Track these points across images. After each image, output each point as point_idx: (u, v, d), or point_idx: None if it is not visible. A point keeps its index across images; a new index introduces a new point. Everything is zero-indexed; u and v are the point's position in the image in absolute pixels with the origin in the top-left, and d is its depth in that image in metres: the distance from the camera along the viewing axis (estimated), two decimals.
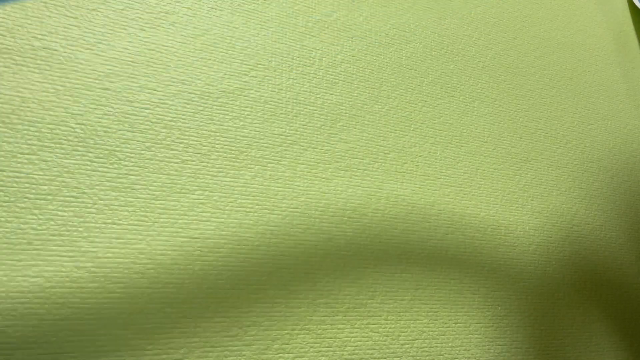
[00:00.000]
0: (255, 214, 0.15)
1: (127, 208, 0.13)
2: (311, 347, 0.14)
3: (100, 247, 0.13)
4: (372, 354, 0.15)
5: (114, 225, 0.13)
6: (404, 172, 0.18)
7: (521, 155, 0.21)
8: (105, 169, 0.13)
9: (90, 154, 0.13)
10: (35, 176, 0.12)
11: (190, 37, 0.15)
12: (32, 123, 0.13)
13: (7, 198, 0.12)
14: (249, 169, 0.15)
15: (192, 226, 0.14)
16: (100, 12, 0.14)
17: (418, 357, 0.16)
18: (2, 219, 0.12)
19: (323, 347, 0.14)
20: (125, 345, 0.12)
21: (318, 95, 0.16)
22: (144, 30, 0.15)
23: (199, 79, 0.15)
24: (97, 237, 0.13)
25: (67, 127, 0.13)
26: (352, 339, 0.15)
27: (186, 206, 0.14)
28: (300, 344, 0.14)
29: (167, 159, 0.14)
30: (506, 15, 0.23)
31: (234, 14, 0.16)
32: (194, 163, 0.14)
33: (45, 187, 0.12)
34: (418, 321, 0.16)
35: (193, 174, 0.14)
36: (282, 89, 0.16)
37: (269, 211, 0.15)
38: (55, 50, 0.13)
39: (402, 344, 0.16)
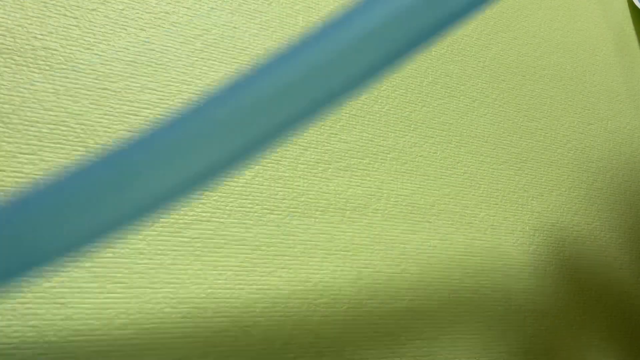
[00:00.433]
0: (255, 214, 0.15)
1: None
2: (311, 347, 0.14)
3: (100, 247, 0.13)
4: (372, 354, 0.15)
5: None
6: (404, 172, 0.17)
7: (521, 155, 0.21)
8: None
9: (90, 154, 0.13)
10: (35, 176, 0.12)
11: (190, 37, 0.15)
12: (32, 123, 0.13)
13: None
14: (249, 169, 0.15)
15: (192, 226, 0.14)
16: (100, 12, 0.14)
17: (418, 357, 0.16)
18: None
19: (323, 347, 0.14)
20: (125, 345, 0.12)
21: None
22: (144, 30, 0.15)
23: (199, 79, 0.15)
24: None
25: (67, 127, 0.13)
26: (352, 339, 0.15)
27: (186, 206, 0.14)
28: (300, 344, 0.14)
29: None
30: (506, 15, 0.23)
31: (234, 14, 0.16)
32: None
33: None
34: (418, 321, 0.16)
35: None
36: None
37: (269, 211, 0.15)
38: (55, 50, 0.13)
39: (402, 344, 0.16)
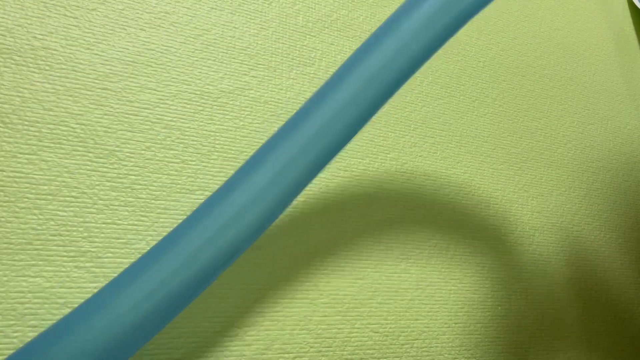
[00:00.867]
0: None
1: (127, 208, 0.13)
2: (311, 347, 0.14)
3: (100, 247, 0.13)
4: (372, 354, 0.15)
5: (114, 225, 0.13)
6: (404, 172, 0.17)
7: (521, 155, 0.21)
8: (105, 169, 0.13)
9: (90, 154, 0.13)
10: (35, 176, 0.12)
11: (190, 37, 0.15)
12: (32, 123, 0.13)
13: (7, 198, 0.12)
14: None
15: None
16: (100, 12, 0.14)
17: (418, 357, 0.16)
18: (2, 219, 0.12)
19: (323, 347, 0.14)
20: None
21: None
22: (144, 30, 0.15)
23: (199, 79, 0.15)
24: (97, 237, 0.13)
25: (67, 127, 0.13)
26: (352, 339, 0.15)
27: (186, 206, 0.14)
28: (300, 344, 0.14)
29: (167, 159, 0.14)
30: (506, 15, 0.23)
31: (234, 14, 0.16)
32: (194, 163, 0.14)
33: (45, 187, 0.12)
34: (418, 321, 0.16)
35: (193, 174, 0.14)
36: (282, 89, 0.16)
37: None
38: (55, 50, 0.13)
39: (402, 344, 0.16)
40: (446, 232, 0.18)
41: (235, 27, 0.16)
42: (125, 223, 0.13)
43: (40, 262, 0.12)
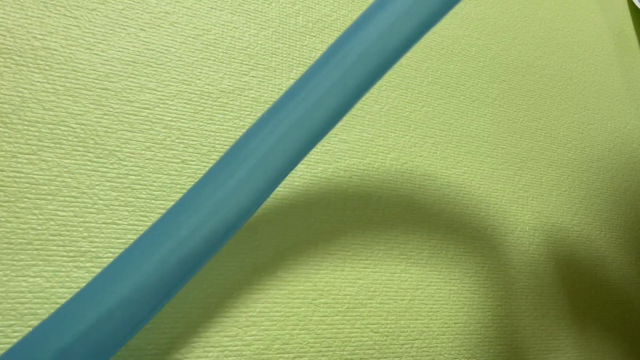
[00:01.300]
0: (256, 214, 0.15)
1: (127, 208, 0.13)
2: (311, 347, 0.14)
3: (100, 247, 0.13)
4: (372, 354, 0.15)
5: (114, 225, 0.13)
6: (404, 172, 0.17)
7: (521, 155, 0.21)
8: (105, 169, 0.13)
9: (90, 154, 0.13)
10: (35, 176, 0.12)
11: (190, 37, 0.15)
12: (32, 123, 0.13)
13: (7, 198, 0.12)
14: None
15: None
16: (100, 12, 0.14)
17: (418, 357, 0.16)
18: (2, 219, 0.12)
19: (323, 347, 0.14)
20: (124, 345, 0.12)
21: None
22: (144, 30, 0.15)
23: (199, 79, 0.15)
24: (97, 237, 0.13)
25: (67, 127, 0.13)
26: (352, 339, 0.15)
27: None
28: (300, 344, 0.14)
29: (167, 159, 0.14)
30: (506, 15, 0.23)
31: (234, 14, 0.16)
32: (194, 163, 0.14)
33: (45, 187, 0.12)
34: (418, 321, 0.16)
35: (193, 174, 0.14)
36: (282, 89, 0.16)
37: (269, 211, 0.15)
38: (55, 50, 0.13)
39: (402, 344, 0.16)
40: (446, 232, 0.18)
41: (235, 27, 0.16)
42: (125, 223, 0.13)
43: (40, 262, 0.12)
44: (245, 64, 0.16)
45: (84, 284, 0.12)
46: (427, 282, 0.17)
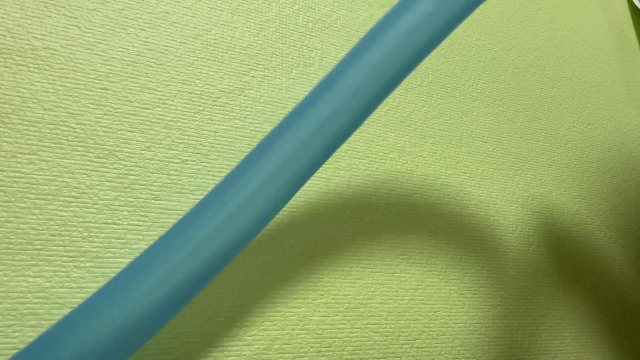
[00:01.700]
0: None
1: (127, 208, 0.13)
2: (311, 347, 0.14)
3: (100, 247, 0.13)
4: (372, 354, 0.15)
5: (114, 225, 0.13)
6: (404, 172, 0.18)
7: (521, 155, 0.21)
8: (105, 169, 0.13)
9: (90, 154, 0.13)
10: (35, 176, 0.12)
11: (190, 37, 0.15)
12: (32, 123, 0.13)
13: (7, 198, 0.12)
14: None
15: None
16: (100, 12, 0.14)
17: (418, 357, 0.16)
18: (2, 219, 0.12)
19: (323, 347, 0.14)
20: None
21: None
22: (144, 30, 0.15)
23: (199, 79, 0.15)
24: (97, 237, 0.13)
25: (67, 127, 0.13)
26: (352, 339, 0.15)
27: (186, 206, 0.14)
28: (300, 344, 0.14)
29: (167, 159, 0.14)
30: (506, 15, 0.23)
31: (234, 14, 0.16)
32: (194, 163, 0.14)
33: (45, 187, 0.12)
34: (418, 321, 0.16)
35: (193, 174, 0.14)
36: (282, 89, 0.16)
37: None
38: (55, 50, 0.13)
39: (402, 344, 0.16)
40: (446, 232, 0.18)
41: (235, 27, 0.16)
42: (125, 223, 0.13)
43: (40, 262, 0.12)
44: (245, 64, 0.16)
45: (84, 284, 0.12)
46: (427, 282, 0.17)
